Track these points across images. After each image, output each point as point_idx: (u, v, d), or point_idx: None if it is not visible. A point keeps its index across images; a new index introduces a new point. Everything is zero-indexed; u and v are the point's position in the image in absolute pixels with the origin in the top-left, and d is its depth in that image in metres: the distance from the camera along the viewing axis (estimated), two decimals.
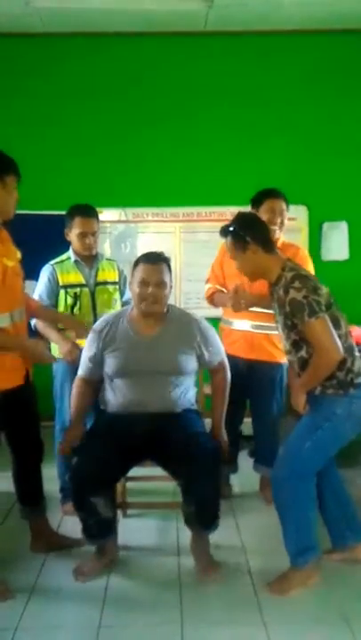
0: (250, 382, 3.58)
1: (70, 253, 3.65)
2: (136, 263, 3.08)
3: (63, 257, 3.67)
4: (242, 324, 3.57)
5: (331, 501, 2.95)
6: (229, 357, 3.27)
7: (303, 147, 5.28)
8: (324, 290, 2.77)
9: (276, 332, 3.39)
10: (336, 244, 5.31)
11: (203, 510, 2.88)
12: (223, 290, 3.64)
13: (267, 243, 2.83)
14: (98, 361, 3.10)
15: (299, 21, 5.02)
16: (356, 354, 2.80)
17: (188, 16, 4.84)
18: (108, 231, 5.20)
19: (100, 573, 2.92)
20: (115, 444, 2.92)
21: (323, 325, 2.64)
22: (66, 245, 3.69)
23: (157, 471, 3.29)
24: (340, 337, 2.70)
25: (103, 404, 3.17)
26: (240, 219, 2.91)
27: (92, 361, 3.12)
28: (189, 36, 5.19)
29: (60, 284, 3.56)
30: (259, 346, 3.54)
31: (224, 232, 2.88)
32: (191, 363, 3.10)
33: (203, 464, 2.81)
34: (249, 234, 2.81)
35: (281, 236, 3.59)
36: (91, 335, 3.14)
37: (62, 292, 3.55)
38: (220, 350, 3.20)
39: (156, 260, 3.04)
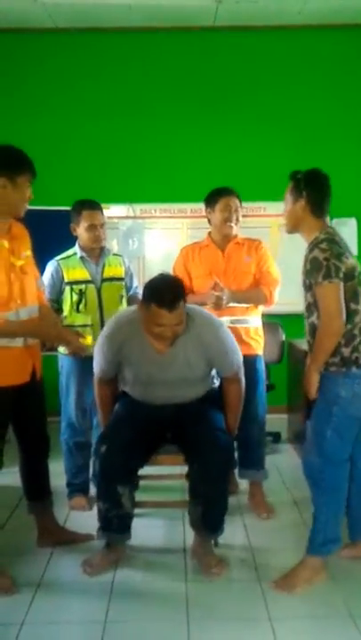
0: None
1: (76, 249, 3.63)
2: (149, 301, 2.75)
3: (69, 252, 3.66)
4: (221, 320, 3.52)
5: (356, 495, 2.90)
6: None
7: (312, 143, 5.27)
8: (352, 261, 2.70)
9: (251, 325, 3.56)
10: (345, 240, 5.27)
11: (209, 512, 2.89)
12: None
13: (317, 205, 2.81)
14: (114, 362, 2.99)
15: (308, 16, 5.00)
16: None
17: (197, 11, 4.84)
18: (115, 227, 5.19)
19: (107, 569, 2.92)
20: (139, 429, 2.97)
21: (333, 290, 2.61)
22: (71, 241, 3.67)
23: (164, 470, 3.31)
24: (356, 312, 2.68)
25: (123, 383, 3.13)
26: (310, 172, 2.87)
27: (107, 363, 3.01)
28: (199, 31, 5.17)
29: (65, 280, 3.55)
30: (239, 340, 3.48)
31: (292, 175, 2.90)
32: (208, 369, 3.04)
33: (213, 467, 2.85)
34: (308, 189, 2.80)
35: (238, 232, 3.62)
36: (103, 339, 2.99)
37: (67, 288, 3.54)
38: (235, 361, 3.03)
39: (173, 306, 2.72)
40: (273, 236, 5.27)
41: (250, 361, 3.47)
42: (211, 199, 3.60)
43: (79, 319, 3.51)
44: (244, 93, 5.25)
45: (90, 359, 3.12)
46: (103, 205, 5.17)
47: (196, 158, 5.23)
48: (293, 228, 2.89)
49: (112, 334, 2.95)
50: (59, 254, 3.69)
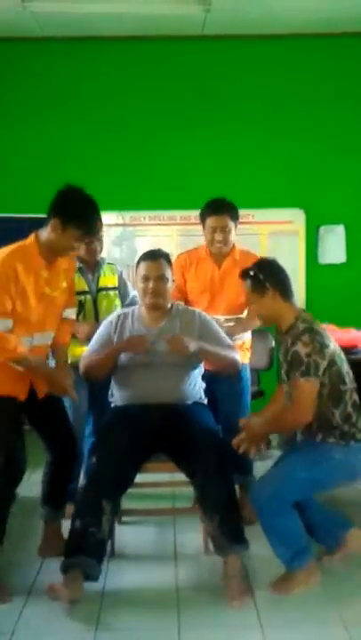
0: (215, 388, 3.46)
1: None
2: (138, 262, 3.24)
3: None
4: None
5: (306, 513, 2.91)
6: None
7: (301, 150, 5.30)
8: (332, 347, 2.80)
9: (243, 339, 3.56)
10: (333, 248, 5.32)
11: (226, 518, 2.80)
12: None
13: (286, 291, 2.88)
14: (109, 344, 3.20)
15: (296, 26, 5.04)
16: None
17: (185, 20, 4.86)
18: (105, 234, 5.19)
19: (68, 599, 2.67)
20: (129, 440, 2.97)
21: (309, 389, 2.72)
22: None
23: (154, 477, 3.31)
24: (345, 392, 2.80)
25: (114, 399, 3.28)
26: (262, 264, 2.95)
27: (104, 343, 3.22)
28: (187, 39, 5.20)
29: None
30: None
31: (244, 275, 2.92)
32: (195, 355, 3.16)
33: (217, 466, 2.88)
34: (270, 280, 2.86)
35: (233, 245, 3.56)
36: (103, 324, 3.29)
37: None
38: (223, 339, 3.27)
39: (155, 257, 3.20)
40: (262, 242, 5.30)
41: None
42: (202, 214, 3.56)
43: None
44: (232, 102, 5.28)
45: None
46: None
47: (186, 166, 5.25)
48: (269, 320, 2.96)
49: (110, 317, 3.31)
50: None
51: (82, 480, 3.25)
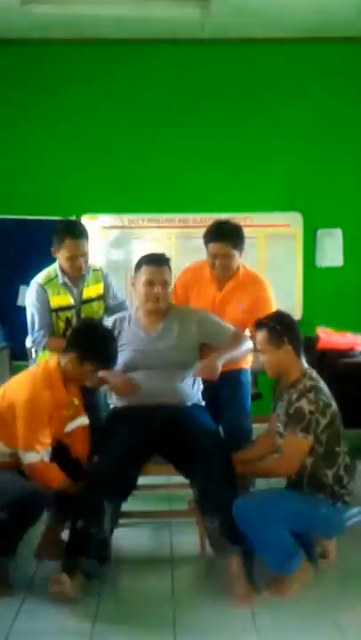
0: (217, 393, 3.46)
1: (58, 272, 3.52)
2: (139, 264, 3.23)
3: (51, 273, 3.54)
4: None
5: None
6: None
7: (298, 154, 5.30)
8: (334, 408, 2.89)
9: None
10: (330, 251, 5.32)
11: (226, 519, 2.79)
12: None
13: (299, 347, 2.97)
14: None
15: (294, 30, 5.04)
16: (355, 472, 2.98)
17: (184, 23, 4.85)
18: (103, 237, 5.21)
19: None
20: (130, 441, 2.97)
21: (303, 447, 2.80)
22: None
23: (150, 480, 3.30)
24: (338, 454, 2.86)
25: (112, 400, 3.29)
26: (279, 317, 3.02)
27: None
28: (186, 43, 5.20)
29: (52, 306, 3.48)
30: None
31: (261, 325, 2.96)
32: (194, 353, 3.21)
33: (218, 467, 2.88)
34: (287, 334, 2.93)
35: (238, 267, 3.48)
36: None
37: (53, 315, 3.46)
38: (226, 330, 3.29)
39: (160, 262, 3.20)
40: (260, 245, 5.30)
41: (235, 374, 3.49)
42: (204, 237, 3.46)
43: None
44: (231, 105, 5.27)
45: None
46: (91, 215, 5.26)
47: (184, 169, 5.24)
48: (276, 372, 3.02)
49: (109, 322, 3.33)
50: (46, 263, 3.63)
51: None
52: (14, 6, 4.44)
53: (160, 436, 3.04)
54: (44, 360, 3.05)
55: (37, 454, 2.84)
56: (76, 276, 3.53)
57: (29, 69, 5.23)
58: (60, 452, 3.04)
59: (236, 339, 3.29)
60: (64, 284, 3.51)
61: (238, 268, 3.49)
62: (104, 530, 2.78)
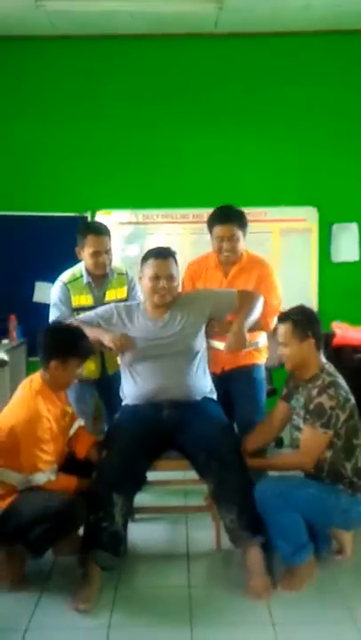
0: (231, 389, 3.46)
1: (83, 271, 3.56)
2: (145, 258, 3.22)
3: (76, 273, 3.58)
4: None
5: None
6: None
7: (314, 148, 5.28)
8: (352, 402, 2.91)
9: (259, 345, 3.51)
10: (346, 246, 5.30)
11: (244, 510, 2.81)
12: None
13: (320, 342, 3.00)
14: (106, 322, 3.24)
15: (309, 23, 5.02)
16: None
17: (198, 18, 4.85)
18: (118, 233, 5.22)
19: (98, 599, 2.73)
20: (140, 437, 2.99)
21: (323, 441, 2.84)
22: (72, 247, 3.62)
23: (165, 475, 3.32)
24: (357, 446, 2.89)
25: (123, 395, 3.29)
26: (305, 311, 3.03)
27: (102, 318, 3.26)
28: (200, 37, 5.20)
29: (73, 305, 3.51)
30: (234, 356, 3.40)
31: (285, 318, 2.99)
32: (200, 335, 3.22)
33: (232, 458, 2.90)
34: (311, 328, 2.97)
35: (242, 252, 3.49)
36: (112, 309, 3.29)
37: (74, 314, 3.47)
38: (230, 295, 3.26)
39: (165, 255, 3.19)
40: (274, 240, 5.29)
41: (248, 370, 3.49)
42: (209, 223, 3.50)
43: None
44: (245, 99, 5.26)
45: (83, 383, 3.47)
46: (105, 211, 5.28)
47: (198, 164, 5.24)
48: (297, 365, 3.01)
49: (121, 306, 3.32)
50: (62, 259, 3.65)
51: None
52: (29, 3, 4.47)
53: (171, 430, 3.06)
54: (27, 381, 3.04)
55: (44, 474, 2.84)
56: (100, 274, 3.56)
57: (44, 65, 5.25)
58: (67, 461, 3.06)
59: (246, 297, 3.25)
60: (88, 283, 3.54)
61: (242, 253, 3.51)
62: (116, 522, 2.79)
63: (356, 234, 5.29)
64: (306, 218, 5.29)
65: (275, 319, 3.25)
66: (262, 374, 3.60)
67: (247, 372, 3.49)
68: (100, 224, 3.71)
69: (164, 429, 3.06)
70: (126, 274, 3.71)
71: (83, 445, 3.13)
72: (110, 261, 3.58)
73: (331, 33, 5.19)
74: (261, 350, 3.57)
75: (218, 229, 3.42)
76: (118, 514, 2.81)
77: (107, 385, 3.60)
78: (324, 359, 3.01)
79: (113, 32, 5.13)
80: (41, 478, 2.84)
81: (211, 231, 3.48)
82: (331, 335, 4.37)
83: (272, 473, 3.16)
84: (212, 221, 3.47)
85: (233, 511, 2.83)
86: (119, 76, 5.28)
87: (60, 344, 2.98)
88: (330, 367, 2.99)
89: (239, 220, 3.44)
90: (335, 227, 5.31)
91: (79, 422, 3.30)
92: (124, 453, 2.93)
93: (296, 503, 2.77)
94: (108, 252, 3.54)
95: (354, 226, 5.29)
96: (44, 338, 3.01)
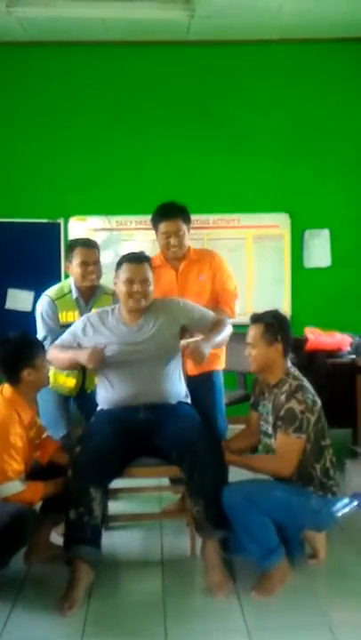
0: (193, 396, 3.43)
1: (72, 287, 3.54)
2: (119, 263, 3.23)
3: (64, 289, 3.55)
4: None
5: None
6: None
7: (286, 155, 5.33)
8: (319, 404, 2.94)
9: None
10: (318, 252, 5.35)
11: (210, 504, 2.87)
12: None
13: (288, 349, 3.02)
14: (79, 336, 3.25)
15: (280, 31, 5.07)
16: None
17: (170, 25, 4.87)
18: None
19: (84, 598, 2.76)
20: (115, 433, 3.02)
21: (298, 446, 2.85)
22: (53, 252, 3.59)
23: (139, 482, 3.31)
24: (325, 447, 2.93)
25: (99, 400, 3.31)
26: (277, 316, 3.05)
27: (74, 334, 3.27)
28: (172, 45, 5.22)
29: (60, 322, 3.48)
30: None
31: (258, 319, 3.00)
32: (175, 339, 3.22)
33: (204, 454, 2.92)
34: (281, 333, 2.98)
35: (189, 247, 3.54)
36: (84, 320, 3.29)
37: (61, 331, 3.43)
38: (207, 315, 3.31)
39: (139, 260, 3.21)
40: (247, 246, 5.32)
41: (206, 377, 3.51)
42: (153, 221, 3.53)
43: None
44: (217, 107, 5.30)
45: (65, 397, 3.51)
46: (79, 217, 5.25)
47: (171, 170, 5.26)
48: (261, 369, 3.03)
49: (93, 316, 3.30)
50: (34, 266, 3.63)
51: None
52: (0, 9, 4.45)
53: (146, 431, 3.08)
54: None
55: (12, 484, 2.81)
56: (88, 286, 3.53)
57: (14, 72, 5.23)
58: (32, 469, 3.04)
59: (219, 323, 3.30)
60: (76, 299, 3.53)
61: (189, 247, 3.55)
62: (96, 516, 2.82)
63: (328, 240, 5.34)
64: (278, 224, 5.34)
65: (237, 305, 3.45)
66: (221, 380, 3.63)
67: (207, 379, 3.53)
68: (89, 238, 3.75)
69: (140, 430, 3.08)
70: (113, 294, 3.63)
71: (46, 451, 3.11)
72: (99, 275, 3.57)
73: (302, 41, 5.26)
74: (217, 352, 3.53)
75: (163, 225, 3.46)
76: (97, 507, 2.84)
77: (85, 401, 3.58)
78: (289, 364, 3.04)
79: (86, 39, 5.13)
80: (9, 488, 2.80)
81: (156, 228, 3.51)
82: (303, 340, 4.40)
83: (247, 473, 3.18)
84: (157, 218, 3.50)
85: (200, 503, 2.89)
86: (92, 83, 5.28)
87: (24, 352, 2.96)
88: (295, 371, 3.02)
89: (183, 215, 3.50)
90: (307, 233, 5.36)
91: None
92: (99, 448, 2.95)
93: (264, 506, 2.77)
94: (96, 263, 3.54)
95: (326, 232, 5.35)
96: (7, 355, 2.97)
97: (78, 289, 3.54)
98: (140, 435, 3.08)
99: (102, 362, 3.14)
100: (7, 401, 2.92)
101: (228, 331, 3.33)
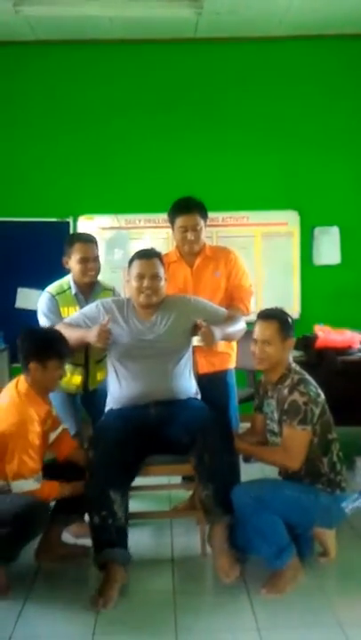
0: (206, 395, 3.43)
1: (71, 283, 3.55)
2: (131, 260, 3.26)
3: (63, 285, 3.56)
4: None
5: None
6: None
7: (295, 152, 5.31)
8: (323, 397, 2.94)
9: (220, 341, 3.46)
10: (328, 249, 5.33)
11: (220, 488, 2.91)
12: None
13: (292, 346, 3.08)
14: (92, 322, 3.21)
15: (289, 27, 5.05)
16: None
17: (178, 23, 4.86)
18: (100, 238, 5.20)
19: (117, 596, 2.76)
20: (127, 432, 3.03)
21: (304, 438, 2.86)
22: (62, 251, 3.59)
23: (151, 481, 3.32)
24: (332, 441, 2.95)
25: (108, 401, 3.32)
26: (286, 313, 3.09)
27: (88, 317, 3.26)
28: (180, 43, 5.21)
29: (62, 318, 3.47)
30: (210, 357, 3.48)
31: (271, 316, 3.02)
32: (187, 336, 3.24)
33: (214, 438, 2.96)
34: (292, 330, 3.04)
35: (204, 243, 3.56)
36: (98, 305, 3.28)
37: None
38: (220, 312, 3.33)
39: (149, 256, 3.23)
40: (257, 244, 5.31)
41: (219, 377, 3.52)
42: (170, 215, 3.54)
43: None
44: (226, 104, 5.28)
45: (71, 395, 3.48)
46: (88, 216, 5.26)
47: (181, 168, 5.24)
48: (271, 364, 3.03)
49: (108, 303, 3.29)
50: (44, 265, 3.64)
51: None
52: (8, 8, 4.45)
53: (157, 426, 3.10)
54: (13, 385, 3.03)
55: (26, 482, 2.82)
56: (87, 282, 3.54)
57: (23, 71, 5.24)
58: (49, 465, 3.05)
59: (231, 318, 3.33)
60: (75, 295, 3.53)
61: (205, 244, 3.56)
62: (119, 518, 2.86)
63: (338, 237, 5.32)
64: (288, 222, 5.32)
65: (252, 301, 3.45)
66: (234, 380, 3.63)
67: (219, 378, 3.53)
68: (88, 233, 3.73)
69: (151, 424, 3.10)
70: (113, 290, 3.68)
71: (65, 447, 3.13)
72: (98, 271, 3.58)
73: (310, 38, 5.23)
74: (229, 351, 3.57)
75: (181, 219, 3.46)
76: (119, 509, 2.87)
77: (90, 399, 3.58)
78: (290, 360, 3.06)
79: (93, 37, 5.13)
80: (24, 486, 2.81)
81: (173, 223, 3.51)
82: (313, 338, 4.39)
83: (255, 472, 3.19)
84: (175, 212, 3.50)
85: (209, 487, 2.93)
86: (100, 82, 5.28)
87: (38, 346, 2.99)
88: (296, 366, 3.04)
89: (201, 210, 3.50)
90: (317, 230, 5.34)
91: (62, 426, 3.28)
92: (112, 450, 2.95)
93: (275, 506, 2.78)
94: (95, 259, 3.55)
95: (335, 229, 5.32)
96: (21, 341, 3.02)
97: (77, 285, 3.54)
98: (151, 429, 3.09)
99: (110, 340, 3.14)
100: (24, 397, 2.94)
101: (241, 326, 3.35)
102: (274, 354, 2.99)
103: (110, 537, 2.84)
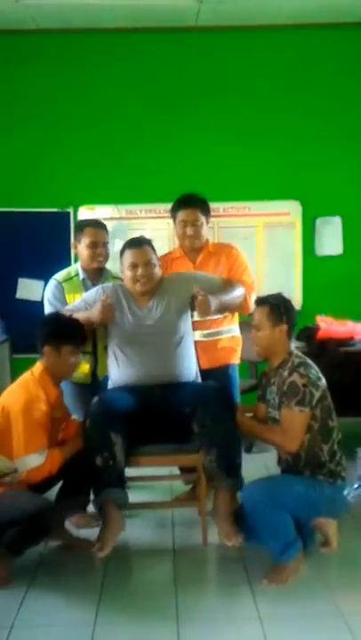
0: None
1: (78, 269, 3.57)
2: (122, 251, 3.27)
3: (70, 272, 3.59)
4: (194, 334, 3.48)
5: None
6: None
7: (296, 142, 5.28)
8: (324, 382, 2.92)
9: (225, 335, 3.54)
10: (330, 239, 5.31)
11: (223, 452, 2.97)
12: None
13: (292, 330, 3.03)
14: (93, 305, 3.24)
15: (290, 16, 5.02)
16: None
17: (179, 11, 4.84)
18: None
19: (115, 542, 2.91)
20: (128, 392, 3.14)
21: (302, 419, 2.84)
22: (63, 241, 3.60)
23: (152, 471, 3.33)
24: (333, 429, 2.93)
25: (110, 383, 3.36)
26: (282, 299, 3.04)
27: (88, 302, 3.29)
28: (181, 31, 5.17)
29: (67, 304, 3.49)
30: (212, 353, 3.51)
31: (263, 301, 3.01)
32: (186, 321, 3.29)
33: (217, 405, 3.02)
34: (286, 315, 2.99)
35: (207, 239, 3.56)
36: (99, 290, 3.31)
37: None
38: (218, 280, 3.37)
39: (140, 244, 3.25)
40: (258, 234, 5.29)
41: (222, 371, 3.52)
42: (172, 209, 3.55)
43: None
44: (227, 93, 5.25)
45: (81, 385, 3.49)
46: (88, 206, 5.25)
47: (182, 158, 5.22)
48: (267, 351, 3.03)
49: (108, 288, 3.31)
50: (44, 256, 3.64)
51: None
52: None
53: (160, 401, 3.13)
54: (29, 369, 3.09)
55: (30, 457, 2.85)
56: (95, 268, 3.55)
57: (24, 60, 5.21)
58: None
59: (228, 283, 3.36)
60: (83, 280, 3.54)
61: (207, 240, 3.57)
62: (119, 460, 2.94)
63: (340, 227, 5.30)
64: (289, 212, 5.30)
65: (253, 300, 3.33)
66: (237, 374, 3.64)
67: (223, 373, 3.53)
68: (98, 219, 3.76)
69: (154, 401, 3.13)
70: (120, 279, 3.66)
71: (69, 432, 3.17)
72: (107, 257, 3.59)
73: (313, 26, 5.19)
74: (234, 346, 3.58)
75: (181, 214, 3.48)
76: (120, 452, 2.96)
77: (99, 390, 3.57)
78: (293, 346, 3.04)
79: (94, 26, 5.10)
80: (30, 460, 2.85)
81: (174, 218, 3.53)
82: (315, 329, 4.38)
83: (259, 470, 3.18)
84: (176, 207, 3.52)
85: (212, 452, 2.99)
86: (100, 71, 5.25)
87: (53, 331, 3.07)
88: (298, 352, 3.03)
89: (202, 206, 3.51)
90: (319, 220, 5.32)
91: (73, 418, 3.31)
92: (115, 397, 3.10)
93: (285, 502, 2.78)
94: (105, 245, 3.57)
95: (337, 219, 5.30)
96: (40, 326, 3.11)
97: (85, 270, 3.55)
98: (153, 404, 3.12)
99: (113, 315, 3.18)
100: (36, 380, 3.01)
101: (238, 292, 3.35)
102: (262, 337, 2.99)
103: (110, 478, 2.93)
